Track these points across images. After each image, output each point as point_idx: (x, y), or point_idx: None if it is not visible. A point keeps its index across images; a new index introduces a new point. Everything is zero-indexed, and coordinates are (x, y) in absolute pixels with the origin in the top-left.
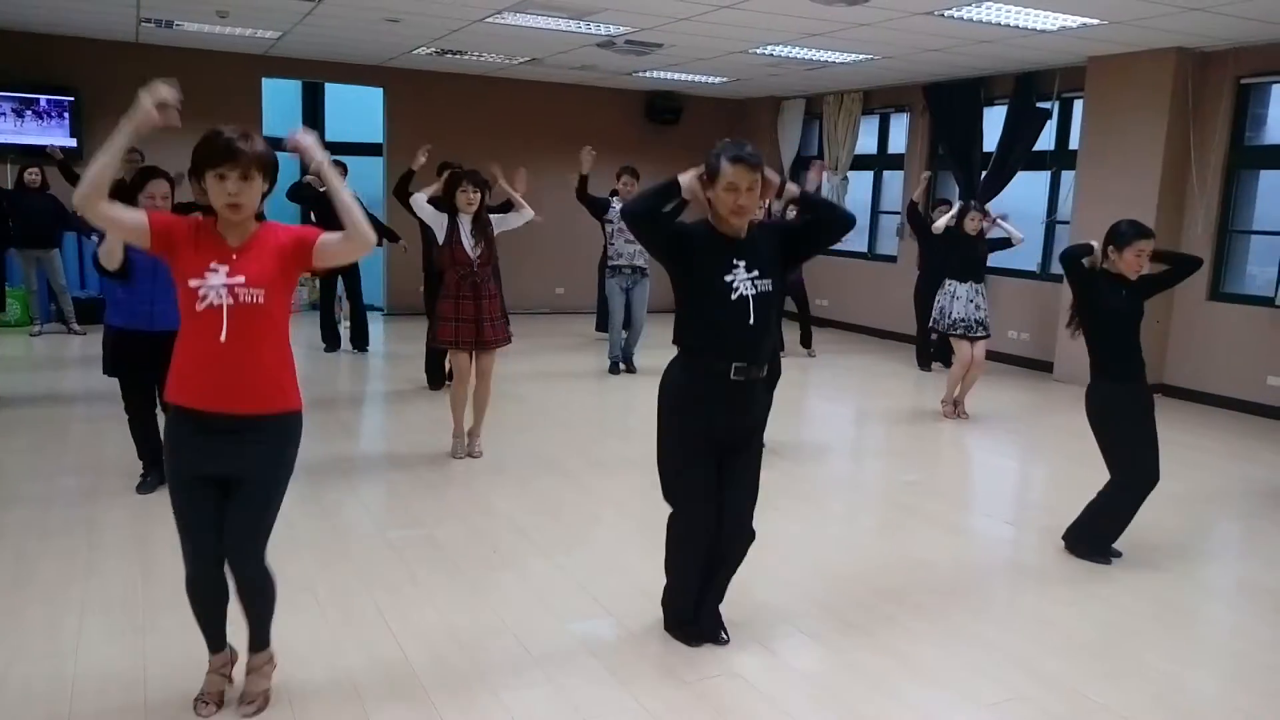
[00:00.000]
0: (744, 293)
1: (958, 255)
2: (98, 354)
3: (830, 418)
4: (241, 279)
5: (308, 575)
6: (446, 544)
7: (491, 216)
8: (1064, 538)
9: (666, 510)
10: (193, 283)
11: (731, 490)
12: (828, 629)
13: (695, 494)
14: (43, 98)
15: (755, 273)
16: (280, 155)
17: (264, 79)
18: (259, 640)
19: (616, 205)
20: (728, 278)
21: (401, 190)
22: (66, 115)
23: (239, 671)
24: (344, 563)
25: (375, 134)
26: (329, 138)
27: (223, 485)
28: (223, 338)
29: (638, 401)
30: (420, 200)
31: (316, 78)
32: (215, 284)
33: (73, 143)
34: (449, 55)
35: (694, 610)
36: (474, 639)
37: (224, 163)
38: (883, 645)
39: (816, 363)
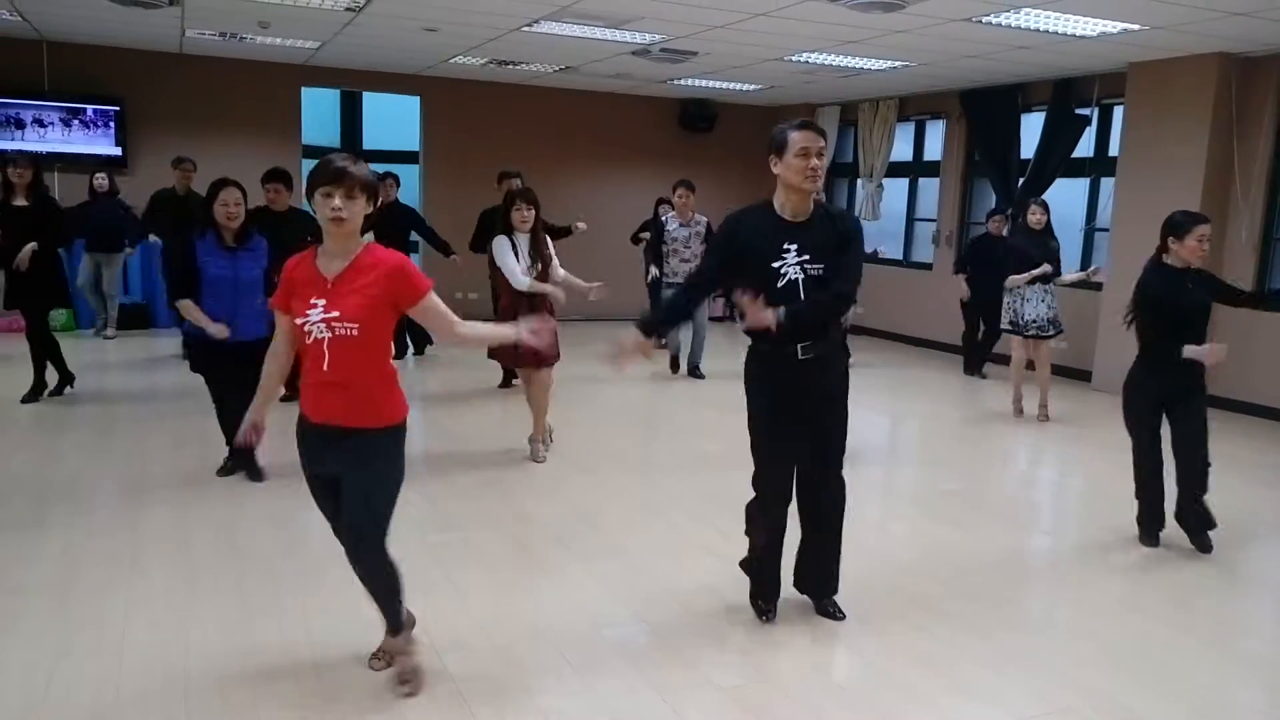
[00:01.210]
0: (792, 277)
1: (1025, 255)
2: (140, 358)
3: (869, 425)
4: (336, 314)
5: (349, 576)
6: (485, 548)
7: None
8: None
9: (707, 515)
10: (299, 320)
11: (816, 440)
12: (864, 637)
13: (777, 455)
14: (89, 107)
15: (806, 256)
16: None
17: (304, 88)
18: (390, 625)
19: (667, 218)
20: (775, 264)
21: (486, 223)
22: (112, 125)
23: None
24: None
25: (412, 142)
26: (366, 145)
27: (332, 483)
28: (325, 367)
29: (679, 408)
30: (508, 264)
31: (355, 86)
32: (315, 319)
33: (118, 151)
34: (485, 64)
35: (772, 582)
36: (510, 643)
37: (331, 183)
38: (919, 654)
39: (855, 370)
